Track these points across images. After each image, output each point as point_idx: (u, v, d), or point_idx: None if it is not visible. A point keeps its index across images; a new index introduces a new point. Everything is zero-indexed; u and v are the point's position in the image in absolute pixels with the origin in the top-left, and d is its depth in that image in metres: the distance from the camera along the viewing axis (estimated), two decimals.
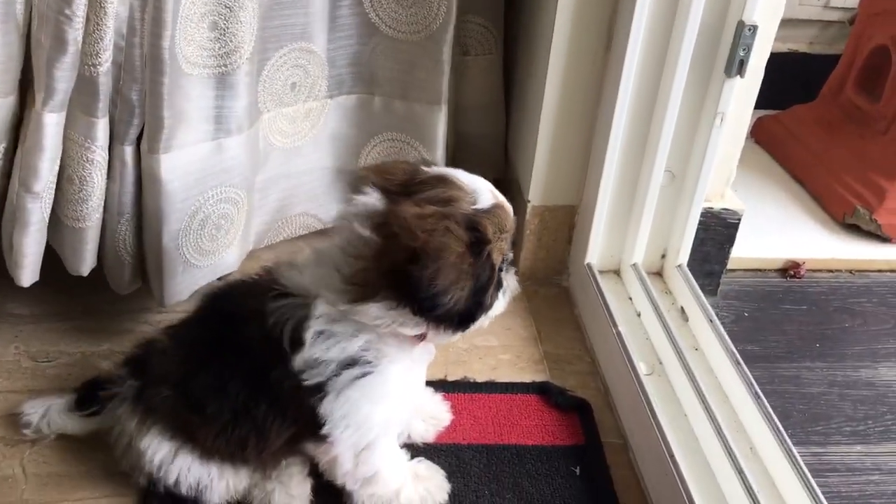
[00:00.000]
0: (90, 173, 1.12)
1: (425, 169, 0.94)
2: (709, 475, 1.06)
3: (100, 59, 1.06)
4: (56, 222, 1.16)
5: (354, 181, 0.94)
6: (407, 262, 0.83)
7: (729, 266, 1.54)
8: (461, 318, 0.89)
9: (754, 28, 1.18)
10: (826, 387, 1.35)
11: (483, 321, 0.93)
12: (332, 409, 0.91)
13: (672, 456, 1.07)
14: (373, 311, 0.87)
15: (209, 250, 1.27)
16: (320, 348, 0.89)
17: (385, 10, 1.36)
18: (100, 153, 1.12)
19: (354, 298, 0.88)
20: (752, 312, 1.52)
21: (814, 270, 1.63)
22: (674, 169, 1.33)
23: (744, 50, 1.20)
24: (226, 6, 1.13)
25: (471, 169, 1.58)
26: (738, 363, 1.19)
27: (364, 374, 0.90)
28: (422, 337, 0.93)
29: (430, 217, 0.85)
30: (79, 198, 1.13)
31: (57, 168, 1.11)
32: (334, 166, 1.48)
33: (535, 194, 1.43)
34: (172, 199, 1.18)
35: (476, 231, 0.87)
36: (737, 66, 1.21)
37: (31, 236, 1.12)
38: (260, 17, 1.20)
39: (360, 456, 0.97)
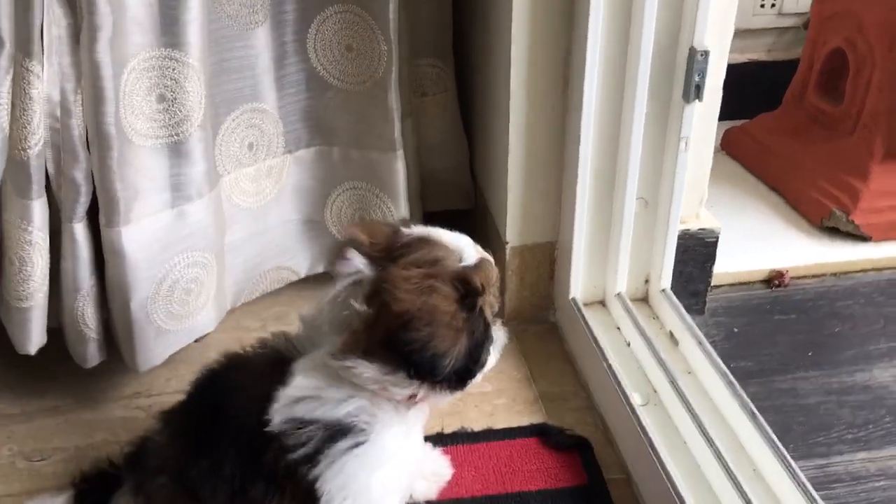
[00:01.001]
0: (29, 254, 1.14)
1: (406, 231, 0.94)
2: (713, 502, 1.06)
3: (29, 143, 1.09)
4: (1, 302, 1.19)
5: (338, 246, 0.95)
6: (399, 329, 0.84)
7: (714, 282, 1.55)
8: (458, 377, 0.89)
9: (706, 53, 1.20)
10: (823, 395, 1.35)
11: (478, 378, 0.94)
12: (328, 480, 0.90)
13: (674, 486, 1.06)
14: (365, 371, 0.88)
15: (181, 314, 1.28)
16: (304, 408, 0.89)
17: (331, 62, 1.39)
18: (38, 234, 1.14)
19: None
20: (742, 327, 1.52)
21: (798, 278, 1.64)
22: (646, 196, 1.34)
23: (699, 75, 1.22)
24: (171, 78, 1.16)
25: (439, 201, 1.61)
26: (731, 384, 1.19)
27: (358, 444, 0.90)
28: (415, 397, 0.93)
29: (415, 279, 0.86)
30: (19, 278, 1.15)
31: None
32: (301, 219, 1.51)
33: (513, 235, 1.43)
34: (137, 270, 1.20)
35: (466, 285, 0.88)
36: (693, 91, 1.23)
37: None
38: (207, 85, 1.22)
39: None
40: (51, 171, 1.14)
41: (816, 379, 1.38)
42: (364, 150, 1.44)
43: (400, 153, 1.43)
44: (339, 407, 0.90)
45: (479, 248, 0.95)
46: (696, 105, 1.26)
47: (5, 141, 1.07)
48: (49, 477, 1.18)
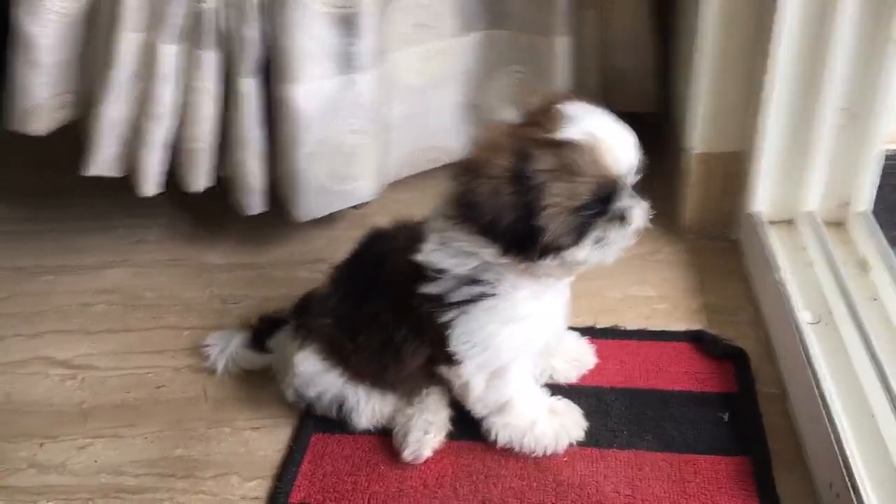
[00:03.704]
0: (200, 100, 1.29)
1: (559, 104, 0.93)
2: (871, 429, 0.97)
3: None
4: (174, 144, 1.34)
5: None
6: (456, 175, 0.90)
7: None
8: (516, 244, 0.88)
9: None
10: None
11: (565, 261, 0.90)
12: (457, 325, 0.95)
13: (828, 408, 0.99)
14: (455, 234, 0.93)
15: (342, 175, 1.38)
16: (439, 256, 0.94)
17: None
18: (207, 82, 1.28)
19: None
20: None
21: None
22: (851, 107, 1.22)
23: None
24: None
25: (619, 101, 1.55)
26: None
27: (485, 295, 0.93)
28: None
29: (496, 138, 0.88)
30: (190, 121, 1.30)
31: (173, 94, 1.28)
32: (462, 102, 1.55)
33: (698, 141, 1.37)
34: (305, 126, 1.30)
35: (523, 156, 0.86)
36: None
37: (152, 154, 1.32)
38: None
39: (491, 382, 1.00)
40: (222, 27, 1.26)
41: None
42: (530, 34, 1.45)
43: (563, 39, 1.42)
44: (469, 259, 0.93)
45: (600, 134, 0.87)
46: None
47: None
48: (237, 317, 1.33)
